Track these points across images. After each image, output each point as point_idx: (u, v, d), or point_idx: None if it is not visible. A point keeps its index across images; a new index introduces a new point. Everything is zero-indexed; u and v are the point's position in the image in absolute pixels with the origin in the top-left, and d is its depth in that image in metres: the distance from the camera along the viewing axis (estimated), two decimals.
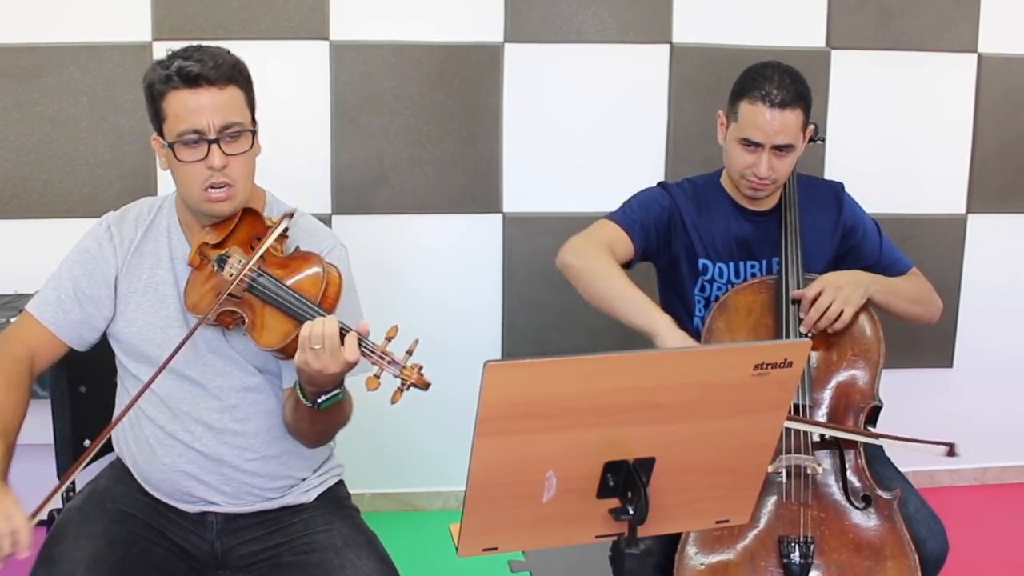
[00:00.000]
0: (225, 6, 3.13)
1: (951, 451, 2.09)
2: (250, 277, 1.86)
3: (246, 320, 1.87)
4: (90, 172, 3.16)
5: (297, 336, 1.76)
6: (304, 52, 3.20)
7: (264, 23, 3.15)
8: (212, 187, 1.88)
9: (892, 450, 2.35)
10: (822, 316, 2.23)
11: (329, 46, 3.21)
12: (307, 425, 1.93)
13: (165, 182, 3.15)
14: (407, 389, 1.72)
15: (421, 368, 1.72)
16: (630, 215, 2.40)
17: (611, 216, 2.42)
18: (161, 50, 3.07)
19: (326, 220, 3.17)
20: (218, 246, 1.94)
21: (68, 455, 2.17)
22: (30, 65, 3.09)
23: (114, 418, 1.97)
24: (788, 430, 2.17)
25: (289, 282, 1.86)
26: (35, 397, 2.83)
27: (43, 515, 1.74)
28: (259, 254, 1.88)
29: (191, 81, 1.84)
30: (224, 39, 3.07)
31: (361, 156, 3.27)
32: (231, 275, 1.88)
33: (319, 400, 1.83)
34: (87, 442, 2.20)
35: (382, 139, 3.27)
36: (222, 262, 1.91)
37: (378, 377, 1.71)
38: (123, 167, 3.17)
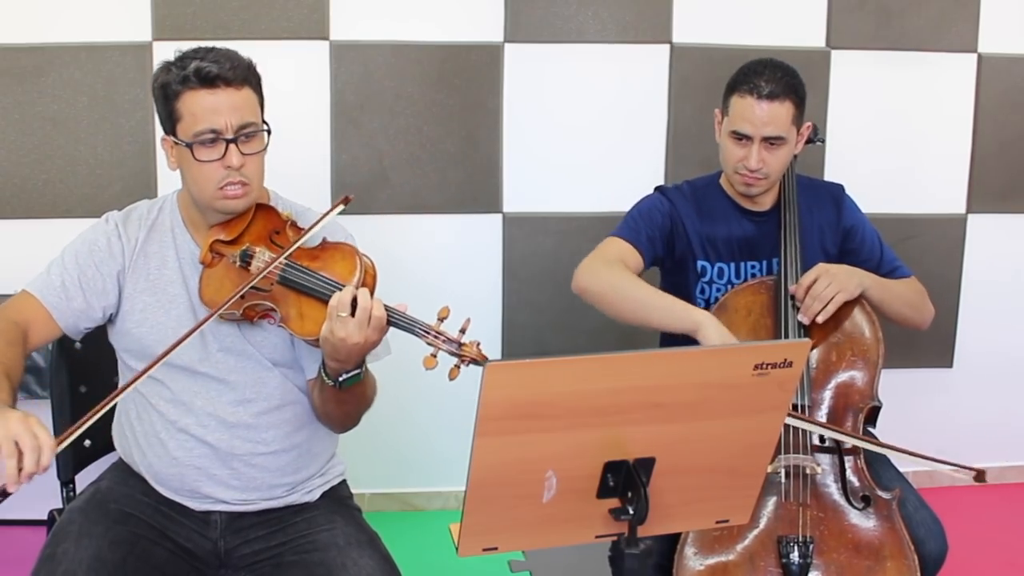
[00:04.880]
0: (225, 6, 3.13)
1: (979, 476, 2.01)
2: (281, 269, 1.88)
3: (279, 312, 1.88)
4: (90, 172, 3.16)
5: None
6: (304, 52, 3.20)
7: (264, 23, 3.15)
8: (229, 185, 1.90)
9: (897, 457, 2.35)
10: (816, 300, 2.25)
11: (329, 46, 3.21)
12: (333, 406, 1.97)
13: (165, 183, 3.16)
14: (467, 365, 1.77)
15: (479, 344, 1.79)
16: (634, 228, 2.41)
17: (616, 232, 2.42)
18: (161, 50, 3.11)
19: None
20: (232, 243, 1.94)
21: (68, 455, 2.17)
22: (30, 65, 3.09)
23: (106, 402, 1.85)
24: (788, 428, 2.17)
25: (324, 272, 1.88)
26: (35, 397, 2.87)
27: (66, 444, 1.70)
28: (295, 247, 1.88)
29: (209, 81, 1.85)
30: (224, 39, 3.06)
31: (361, 156, 3.27)
32: (259, 269, 1.88)
33: (340, 378, 1.86)
34: (88, 442, 2.20)
35: (382, 139, 3.27)
36: (246, 257, 1.91)
37: (435, 356, 1.77)
38: (123, 167, 3.16)
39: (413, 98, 3.26)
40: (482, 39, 3.27)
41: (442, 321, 1.80)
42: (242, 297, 1.88)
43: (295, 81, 3.21)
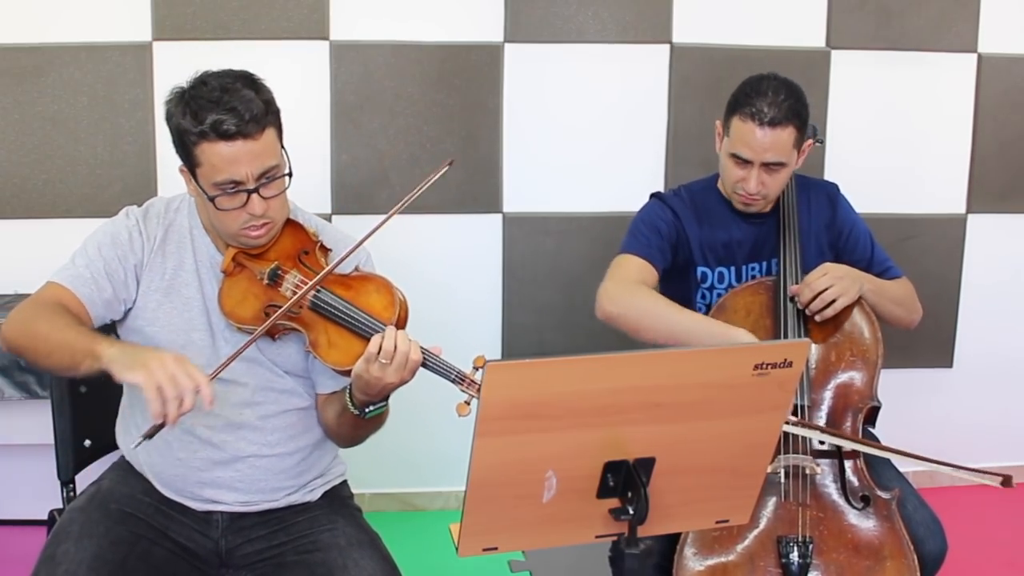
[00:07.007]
0: (225, 6, 3.12)
1: (1006, 482, 2.02)
2: (314, 295, 1.88)
3: (306, 337, 1.89)
4: (90, 172, 3.16)
5: None
6: (304, 52, 3.20)
7: (264, 23, 3.15)
8: (252, 228, 1.88)
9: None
10: (816, 297, 2.25)
11: (329, 46, 3.21)
12: (348, 429, 1.99)
13: (165, 183, 3.16)
14: None
15: None
16: (645, 242, 2.39)
17: (627, 248, 2.40)
18: (161, 50, 3.11)
19: (326, 220, 3.17)
20: (258, 257, 1.93)
21: (68, 455, 2.17)
22: (30, 65, 3.09)
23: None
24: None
25: (359, 304, 1.89)
26: (35, 397, 2.86)
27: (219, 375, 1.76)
28: (327, 273, 1.88)
29: (228, 136, 1.81)
30: (224, 39, 3.09)
31: (361, 156, 3.27)
32: (290, 292, 1.88)
33: (367, 409, 1.88)
34: (87, 442, 2.19)
35: (382, 139, 3.27)
36: (275, 276, 1.91)
37: (468, 403, 1.80)
38: (123, 167, 3.17)
39: (413, 98, 3.26)
40: (482, 39, 3.27)
41: (477, 371, 1.79)
42: (266, 315, 1.88)
43: (295, 81, 3.21)
